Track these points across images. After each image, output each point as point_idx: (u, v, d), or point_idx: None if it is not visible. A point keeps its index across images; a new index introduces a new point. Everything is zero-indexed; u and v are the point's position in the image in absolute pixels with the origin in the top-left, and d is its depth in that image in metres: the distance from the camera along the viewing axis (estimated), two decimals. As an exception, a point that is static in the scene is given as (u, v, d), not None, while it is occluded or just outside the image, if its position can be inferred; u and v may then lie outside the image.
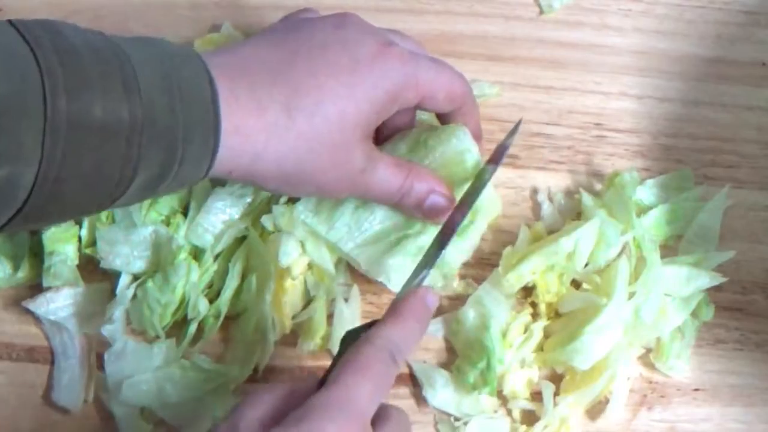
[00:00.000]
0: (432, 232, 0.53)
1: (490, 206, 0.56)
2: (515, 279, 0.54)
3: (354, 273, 0.56)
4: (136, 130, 0.40)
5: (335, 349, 0.52)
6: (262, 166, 0.46)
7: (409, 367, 0.55)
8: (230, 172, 0.46)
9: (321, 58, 0.47)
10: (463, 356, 0.54)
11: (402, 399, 0.54)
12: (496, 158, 0.54)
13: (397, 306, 0.46)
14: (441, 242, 0.50)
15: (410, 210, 0.53)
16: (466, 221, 0.53)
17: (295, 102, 0.46)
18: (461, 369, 0.54)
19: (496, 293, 0.54)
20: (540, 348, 0.55)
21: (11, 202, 0.38)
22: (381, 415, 0.42)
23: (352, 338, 0.44)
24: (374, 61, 0.48)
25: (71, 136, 0.38)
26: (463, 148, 0.54)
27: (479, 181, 0.53)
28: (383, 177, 0.50)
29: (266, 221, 0.54)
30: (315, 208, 0.54)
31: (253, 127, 0.45)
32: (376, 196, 0.52)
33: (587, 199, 0.57)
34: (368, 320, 0.46)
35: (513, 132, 0.55)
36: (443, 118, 0.55)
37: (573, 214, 0.58)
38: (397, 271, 0.53)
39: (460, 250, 0.55)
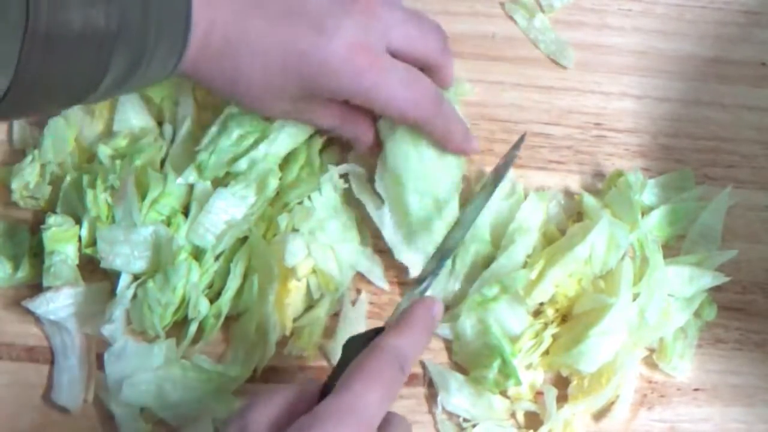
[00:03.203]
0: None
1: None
2: (539, 295, 0.54)
3: (360, 278, 0.57)
4: (109, 38, 0.41)
5: (338, 350, 0.52)
6: (195, 79, 0.49)
7: (424, 367, 0.55)
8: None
9: (289, 21, 0.48)
10: (474, 366, 0.54)
11: (408, 399, 0.55)
12: (498, 174, 0.55)
13: (404, 315, 0.46)
14: (442, 256, 0.52)
15: None
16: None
17: (232, 50, 0.48)
18: (478, 378, 0.53)
19: (518, 306, 0.54)
20: (545, 351, 0.55)
21: None
22: (385, 421, 0.42)
23: (355, 345, 0.44)
24: (335, 59, 0.48)
25: (49, 45, 0.39)
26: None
27: (480, 199, 0.54)
28: (311, 120, 0.54)
29: (282, 221, 0.55)
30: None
31: (192, 56, 0.47)
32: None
33: (589, 200, 0.57)
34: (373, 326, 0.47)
35: (517, 145, 0.56)
36: None
37: (574, 214, 0.58)
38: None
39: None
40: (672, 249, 0.57)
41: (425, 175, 0.55)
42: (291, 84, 0.49)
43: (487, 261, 0.55)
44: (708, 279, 0.55)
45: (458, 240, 0.53)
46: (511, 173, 0.57)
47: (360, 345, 0.44)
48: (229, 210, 0.55)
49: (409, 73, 0.51)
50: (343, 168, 0.57)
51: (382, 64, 0.50)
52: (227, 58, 0.48)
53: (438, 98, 0.53)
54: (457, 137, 0.54)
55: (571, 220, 0.58)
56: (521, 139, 0.57)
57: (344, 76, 0.49)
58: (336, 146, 0.59)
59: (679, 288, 0.55)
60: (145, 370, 0.53)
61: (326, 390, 0.42)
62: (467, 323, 0.54)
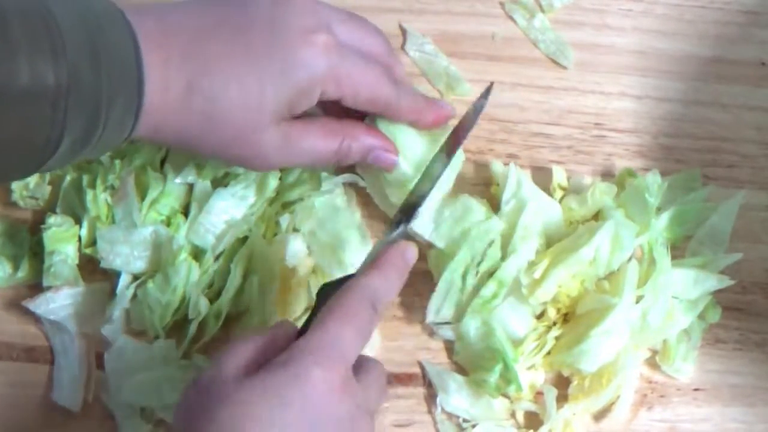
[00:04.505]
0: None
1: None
2: (542, 295, 0.53)
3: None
4: (61, 94, 0.40)
5: None
6: (163, 136, 0.47)
7: (422, 368, 0.55)
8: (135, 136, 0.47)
9: (242, 36, 0.47)
10: (475, 368, 0.54)
11: (408, 399, 0.55)
12: (464, 126, 0.54)
13: (377, 258, 0.47)
14: (410, 208, 0.51)
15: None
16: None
17: (200, 82, 0.46)
18: (478, 380, 0.53)
19: (522, 308, 0.54)
20: (547, 351, 0.55)
21: None
22: (360, 365, 0.44)
23: (328, 291, 0.46)
24: (294, 49, 0.47)
25: None
26: None
27: (444, 153, 0.53)
28: (310, 147, 0.51)
29: (282, 221, 0.55)
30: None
31: (155, 105, 0.45)
32: (307, 164, 0.53)
33: (606, 199, 0.56)
34: None
35: (485, 95, 0.55)
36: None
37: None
38: None
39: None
40: (677, 250, 0.57)
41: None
42: (267, 96, 0.47)
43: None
44: (713, 282, 0.55)
45: (426, 192, 0.52)
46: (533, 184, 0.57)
47: (333, 291, 0.45)
48: (229, 210, 0.55)
49: (363, 56, 0.51)
50: (346, 177, 0.57)
51: (338, 46, 0.49)
52: (195, 93, 0.46)
53: (393, 78, 0.52)
54: (427, 110, 0.53)
55: (584, 219, 0.57)
56: (489, 89, 0.56)
57: (309, 61, 0.47)
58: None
59: (684, 290, 0.55)
60: (145, 370, 0.53)
61: (302, 334, 0.43)
62: (471, 324, 0.54)
